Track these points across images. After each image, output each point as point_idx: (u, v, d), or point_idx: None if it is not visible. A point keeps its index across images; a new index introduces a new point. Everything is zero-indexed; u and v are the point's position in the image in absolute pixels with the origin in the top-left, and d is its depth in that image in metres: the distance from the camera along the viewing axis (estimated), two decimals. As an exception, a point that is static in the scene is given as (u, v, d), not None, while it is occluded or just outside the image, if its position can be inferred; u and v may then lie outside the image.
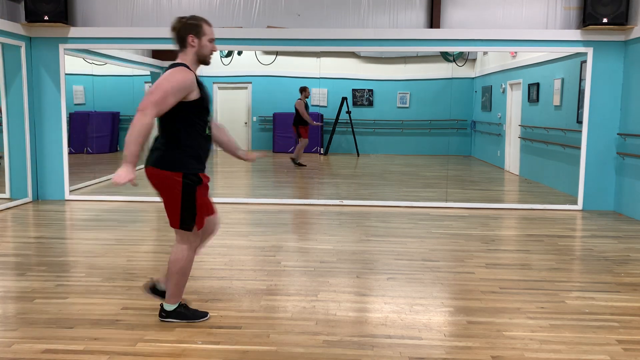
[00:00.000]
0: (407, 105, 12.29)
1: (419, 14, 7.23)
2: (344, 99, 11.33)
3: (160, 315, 3.32)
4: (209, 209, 3.27)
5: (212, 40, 3.16)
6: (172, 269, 3.20)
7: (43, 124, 7.39)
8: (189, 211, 3.07)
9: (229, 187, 9.50)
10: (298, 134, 10.31)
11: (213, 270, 4.37)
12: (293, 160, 10.32)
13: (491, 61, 11.26)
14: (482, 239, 5.53)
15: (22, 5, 7.07)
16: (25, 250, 4.98)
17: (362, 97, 11.79)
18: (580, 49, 6.99)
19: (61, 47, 7.26)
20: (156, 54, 11.02)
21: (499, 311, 3.56)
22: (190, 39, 3.08)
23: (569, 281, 4.23)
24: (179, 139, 3.04)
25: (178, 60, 3.10)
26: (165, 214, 3.14)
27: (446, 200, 7.40)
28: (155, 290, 3.38)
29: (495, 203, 7.44)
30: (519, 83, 9.88)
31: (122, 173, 2.84)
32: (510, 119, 10.27)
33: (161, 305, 3.33)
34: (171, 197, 3.06)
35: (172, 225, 3.14)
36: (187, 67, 3.06)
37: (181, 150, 3.05)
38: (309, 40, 7.15)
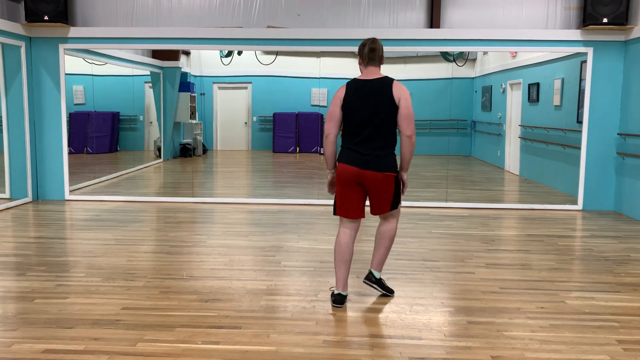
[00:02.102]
0: (407, 105, 12.25)
1: (419, 14, 7.23)
2: (344, 99, 11.31)
3: (370, 280, 3.77)
4: None
5: None
6: (390, 239, 3.74)
7: (43, 124, 7.39)
8: (398, 195, 3.66)
9: (229, 187, 9.51)
10: None
11: (213, 270, 4.37)
12: None
13: (491, 61, 11.26)
14: (482, 239, 5.53)
15: (22, 5, 7.07)
16: (25, 250, 4.98)
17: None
18: (580, 49, 6.99)
19: (61, 47, 7.26)
20: (156, 54, 11.02)
21: (499, 311, 3.56)
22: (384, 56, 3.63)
23: (569, 281, 4.23)
24: (394, 144, 3.59)
25: (384, 75, 3.56)
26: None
27: (446, 200, 7.40)
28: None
29: (495, 203, 7.45)
30: (519, 83, 9.88)
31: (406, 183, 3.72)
32: (510, 119, 10.27)
33: (370, 272, 3.78)
34: (389, 190, 3.57)
35: (384, 210, 3.63)
36: None
37: (394, 153, 3.60)
38: (309, 40, 7.15)
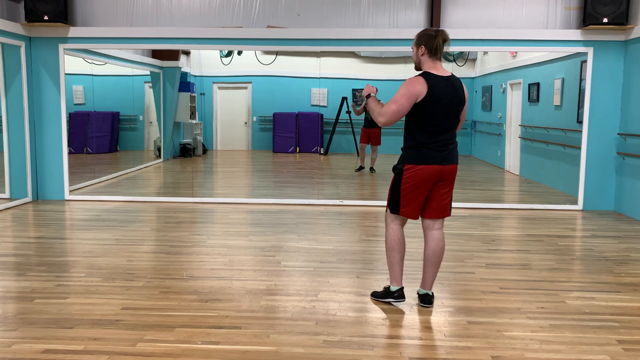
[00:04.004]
0: (407, 105, 12.24)
1: (419, 14, 7.23)
2: (344, 99, 11.33)
3: (431, 302, 3.63)
4: None
5: None
6: (443, 255, 3.62)
7: (43, 124, 7.39)
8: None
9: (229, 187, 9.50)
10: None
11: (213, 270, 4.37)
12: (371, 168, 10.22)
13: (491, 61, 11.26)
14: (482, 239, 5.53)
15: (22, 5, 7.07)
16: (25, 250, 4.97)
17: (362, 97, 11.78)
18: (581, 49, 6.99)
19: (61, 47, 7.25)
20: (156, 54, 11.02)
21: (499, 311, 3.56)
22: None
23: (569, 281, 4.23)
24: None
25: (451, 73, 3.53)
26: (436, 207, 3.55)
27: (446, 200, 7.38)
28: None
29: (495, 203, 7.44)
30: (519, 83, 9.89)
31: None
32: (511, 118, 10.27)
33: (426, 294, 3.65)
34: (453, 183, 3.58)
35: (446, 210, 3.58)
36: None
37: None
38: (309, 40, 7.15)
